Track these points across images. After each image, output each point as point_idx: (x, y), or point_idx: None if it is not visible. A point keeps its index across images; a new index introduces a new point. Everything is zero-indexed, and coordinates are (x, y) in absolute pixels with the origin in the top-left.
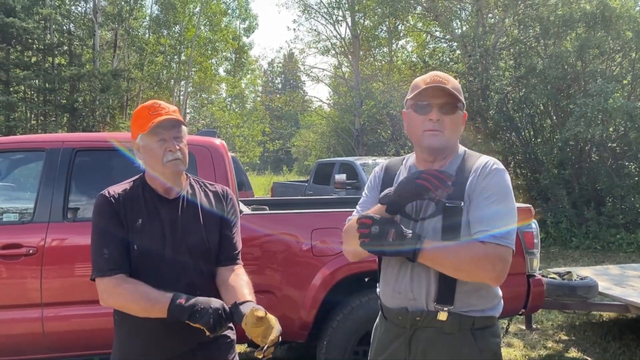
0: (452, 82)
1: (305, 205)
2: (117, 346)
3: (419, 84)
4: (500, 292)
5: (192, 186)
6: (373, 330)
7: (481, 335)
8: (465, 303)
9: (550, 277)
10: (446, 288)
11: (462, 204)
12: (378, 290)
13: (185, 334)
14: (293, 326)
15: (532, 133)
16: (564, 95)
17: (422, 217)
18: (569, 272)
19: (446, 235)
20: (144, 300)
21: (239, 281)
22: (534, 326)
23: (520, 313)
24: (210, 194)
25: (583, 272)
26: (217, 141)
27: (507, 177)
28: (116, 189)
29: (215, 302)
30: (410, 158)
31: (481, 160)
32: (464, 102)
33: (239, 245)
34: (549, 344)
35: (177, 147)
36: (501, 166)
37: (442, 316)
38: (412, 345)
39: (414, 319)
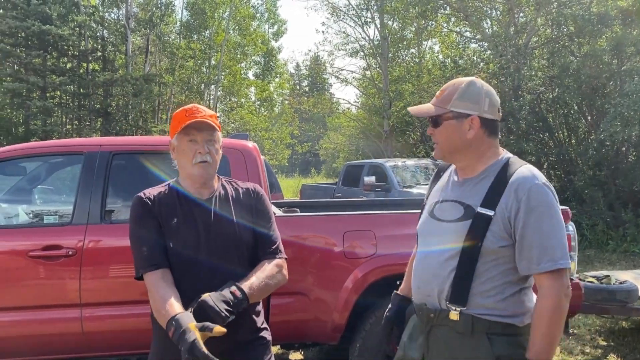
0: (447, 91)
1: (334, 207)
2: (155, 346)
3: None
4: (531, 303)
5: (224, 187)
6: (408, 323)
7: (498, 342)
8: (480, 305)
9: (588, 281)
10: (460, 288)
11: (493, 214)
12: None
13: (220, 336)
14: (325, 328)
15: (566, 133)
16: (599, 94)
17: (450, 220)
18: (607, 276)
19: (468, 239)
20: (157, 307)
21: (255, 270)
22: (570, 331)
23: None
24: (242, 192)
25: (622, 275)
26: (250, 144)
27: (551, 194)
28: (151, 192)
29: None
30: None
31: (520, 173)
32: (461, 111)
33: (277, 240)
34: (587, 350)
35: (207, 150)
36: (542, 180)
37: (454, 316)
38: (430, 341)
39: (429, 315)
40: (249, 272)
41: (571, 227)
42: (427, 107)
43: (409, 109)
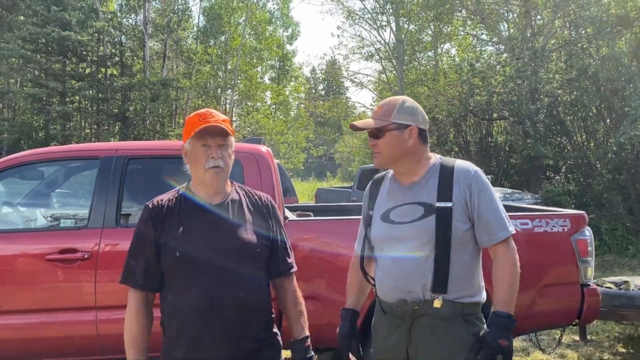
0: (385, 107)
1: (349, 211)
2: (165, 350)
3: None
4: (482, 281)
5: (237, 192)
6: (372, 327)
7: (470, 320)
8: (457, 290)
9: (606, 287)
10: (440, 279)
11: (452, 204)
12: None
13: (231, 341)
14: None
15: (584, 137)
16: (619, 97)
17: (413, 220)
18: (626, 282)
19: (440, 235)
20: (127, 334)
21: (296, 311)
22: (588, 337)
23: (574, 324)
24: (255, 200)
25: None
26: (264, 148)
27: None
28: (160, 199)
29: None
30: (390, 172)
31: (459, 165)
32: (400, 122)
33: (291, 250)
34: (606, 357)
35: (219, 155)
36: (477, 167)
37: (437, 303)
38: (412, 333)
39: (413, 308)
40: (258, 281)
41: (587, 232)
42: (369, 121)
43: (354, 123)
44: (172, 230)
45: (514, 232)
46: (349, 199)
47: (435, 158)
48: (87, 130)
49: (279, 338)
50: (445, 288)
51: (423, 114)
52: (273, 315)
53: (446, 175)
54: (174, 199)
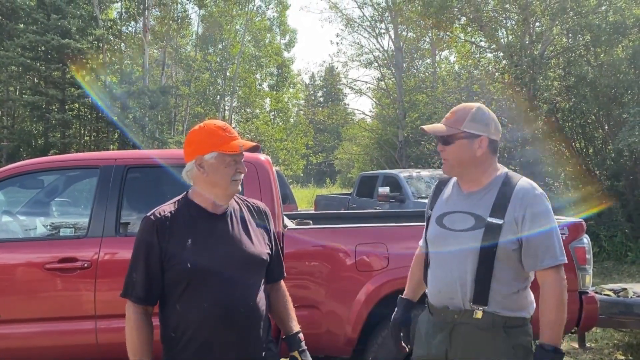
0: (457, 115)
1: (349, 219)
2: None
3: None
4: (532, 297)
5: (236, 202)
6: (418, 323)
7: (513, 333)
8: (499, 304)
9: (605, 294)
10: (481, 291)
11: (503, 222)
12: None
13: (242, 348)
14: (338, 342)
15: (583, 144)
16: (617, 104)
17: (462, 229)
18: (624, 289)
19: (485, 249)
20: (130, 347)
21: (289, 310)
22: (587, 345)
23: (572, 331)
24: (253, 210)
25: None
26: (262, 157)
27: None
28: (162, 211)
29: None
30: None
31: (522, 184)
32: (471, 131)
33: (282, 258)
34: None
35: (244, 170)
36: (540, 190)
37: (478, 315)
38: (453, 338)
39: (453, 316)
40: (262, 290)
41: (586, 239)
42: (440, 127)
43: (424, 127)
44: (181, 241)
45: (565, 261)
46: (348, 206)
47: (501, 171)
48: (86, 138)
49: (276, 346)
50: (486, 300)
51: (496, 124)
52: (270, 324)
53: (506, 191)
54: (176, 210)
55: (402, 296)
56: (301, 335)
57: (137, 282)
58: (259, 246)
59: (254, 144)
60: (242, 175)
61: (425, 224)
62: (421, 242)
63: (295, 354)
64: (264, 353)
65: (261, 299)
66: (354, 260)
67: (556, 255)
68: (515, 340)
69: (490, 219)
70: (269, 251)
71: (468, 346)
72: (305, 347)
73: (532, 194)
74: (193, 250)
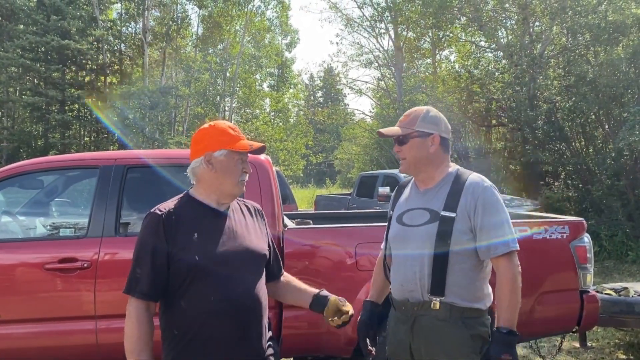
0: (411, 116)
1: (349, 218)
2: (173, 357)
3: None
4: (490, 290)
5: (237, 202)
6: (388, 319)
7: (470, 324)
8: (456, 295)
9: (606, 293)
10: (438, 282)
11: (455, 215)
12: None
13: (247, 343)
14: (338, 341)
15: (583, 143)
16: (617, 103)
17: (419, 224)
18: (625, 288)
19: (439, 241)
20: (129, 343)
21: (301, 284)
22: (588, 344)
23: (573, 330)
24: (251, 210)
25: None
26: (262, 157)
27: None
28: (166, 207)
29: None
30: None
31: (472, 178)
32: (424, 130)
33: (279, 257)
34: None
35: (250, 170)
36: (489, 183)
37: (436, 305)
38: (414, 330)
39: (414, 308)
40: (264, 285)
41: (586, 238)
42: (395, 129)
43: (381, 130)
44: (187, 236)
45: (517, 248)
46: (348, 206)
47: (453, 168)
48: (86, 139)
49: (276, 344)
50: (443, 291)
51: (446, 124)
52: (270, 323)
53: (458, 186)
54: (182, 206)
55: (367, 299)
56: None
57: (142, 277)
58: (260, 242)
59: (261, 144)
60: (247, 176)
61: (386, 225)
62: (382, 245)
63: (333, 299)
64: (266, 348)
65: (263, 294)
66: (354, 260)
67: (508, 243)
68: (472, 331)
69: (443, 213)
70: (267, 248)
71: (429, 337)
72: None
73: (481, 187)
74: (200, 244)
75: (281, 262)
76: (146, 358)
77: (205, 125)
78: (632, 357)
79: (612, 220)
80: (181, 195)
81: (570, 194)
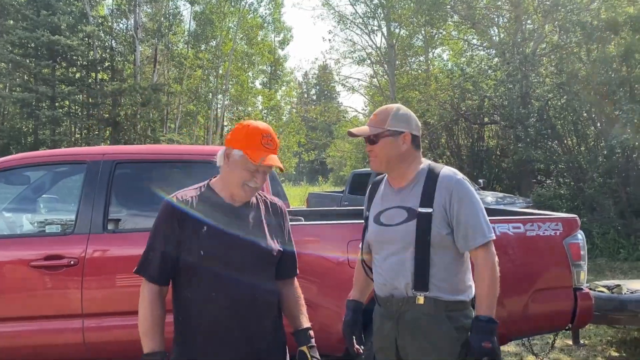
0: (379, 116)
1: (341, 216)
2: (179, 343)
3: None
4: (471, 281)
5: (255, 197)
6: (373, 317)
7: (455, 316)
8: (439, 289)
9: (599, 291)
10: (421, 277)
11: (432, 210)
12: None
13: (248, 341)
14: (330, 339)
15: (575, 141)
16: (609, 101)
17: (397, 223)
18: (618, 285)
19: (419, 238)
20: (142, 325)
21: (300, 306)
22: (581, 342)
23: (567, 328)
24: (270, 207)
25: (633, 285)
26: None
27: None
28: (184, 194)
29: None
30: (387, 175)
31: (444, 173)
32: (394, 129)
33: (296, 256)
34: None
35: (262, 181)
36: (461, 175)
37: (420, 300)
38: (400, 325)
39: (399, 304)
40: (271, 284)
41: (580, 235)
42: (365, 129)
43: (351, 130)
44: (196, 228)
45: (494, 237)
46: (340, 204)
47: (424, 164)
48: (77, 136)
49: (285, 339)
50: (426, 286)
51: (416, 121)
52: (282, 318)
53: (431, 181)
54: (197, 197)
55: (350, 298)
56: (311, 332)
57: (153, 261)
58: (271, 242)
59: (278, 164)
60: (255, 186)
61: (364, 226)
62: (360, 245)
63: (304, 349)
64: (271, 349)
65: (272, 294)
66: (347, 257)
67: (485, 234)
68: (457, 323)
69: (420, 209)
70: (280, 248)
71: (414, 332)
72: (314, 344)
73: (454, 180)
74: (207, 239)
75: (296, 263)
76: (158, 341)
77: (245, 122)
78: (624, 354)
79: (604, 218)
80: (202, 183)
81: (562, 192)
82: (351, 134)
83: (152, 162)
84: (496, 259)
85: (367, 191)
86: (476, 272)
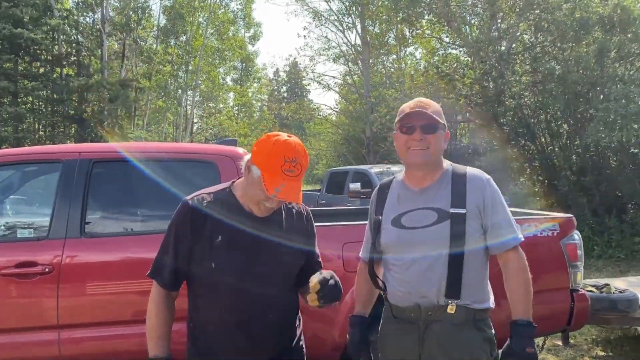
0: (434, 107)
1: (333, 216)
2: (191, 352)
3: (405, 109)
4: (490, 287)
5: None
6: (380, 334)
7: (481, 327)
8: (469, 296)
9: (588, 290)
10: (454, 283)
11: (466, 211)
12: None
13: (257, 356)
14: (325, 346)
15: (548, 139)
16: (583, 100)
17: (426, 225)
18: (607, 285)
19: (454, 241)
20: (148, 323)
21: None
22: (570, 342)
23: (562, 330)
24: (295, 214)
25: (618, 283)
26: (240, 150)
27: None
28: (202, 198)
29: None
30: (399, 175)
31: (472, 172)
32: (445, 124)
33: (321, 265)
34: None
35: (279, 205)
36: (488, 175)
37: (451, 309)
38: (425, 338)
39: (427, 313)
40: (288, 296)
41: (576, 235)
42: (431, 115)
43: (423, 109)
44: (211, 237)
45: (523, 239)
46: (317, 203)
47: (446, 164)
48: (41, 133)
49: (304, 351)
50: (459, 293)
51: None
52: (300, 329)
53: (459, 181)
54: (216, 201)
55: (355, 314)
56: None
57: (166, 266)
58: (291, 257)
59: (293, 199)
60: (271, 206)
61: (369, 231)
62: (362, 253)
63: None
64: (294, 346)
65: (287, 312)
66: (341, 261)
67: (517, 235)
68: (484, 334)
69: (453, 210)
70: (301, 262)
71: (442, 344)
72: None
73: (485, 179)
74: (220, 250)
75: (319, 265)
76: (161, 345)
77: (274, 136)
78: (610, 353)
79: (578, 216)
80: (225, 185)
81: (536, 190)
82: (421, 114)
83: (133, 160)
84: (526, 261)
85: (375, 194)
86: (509, 274)
